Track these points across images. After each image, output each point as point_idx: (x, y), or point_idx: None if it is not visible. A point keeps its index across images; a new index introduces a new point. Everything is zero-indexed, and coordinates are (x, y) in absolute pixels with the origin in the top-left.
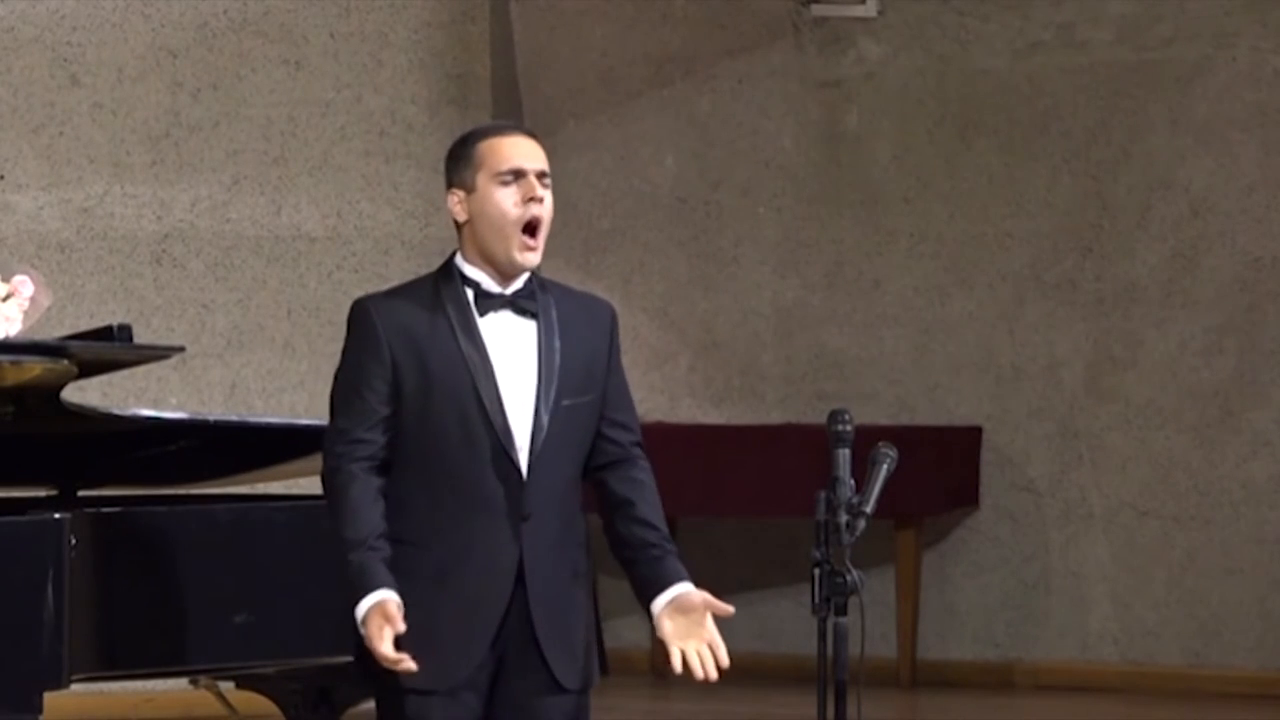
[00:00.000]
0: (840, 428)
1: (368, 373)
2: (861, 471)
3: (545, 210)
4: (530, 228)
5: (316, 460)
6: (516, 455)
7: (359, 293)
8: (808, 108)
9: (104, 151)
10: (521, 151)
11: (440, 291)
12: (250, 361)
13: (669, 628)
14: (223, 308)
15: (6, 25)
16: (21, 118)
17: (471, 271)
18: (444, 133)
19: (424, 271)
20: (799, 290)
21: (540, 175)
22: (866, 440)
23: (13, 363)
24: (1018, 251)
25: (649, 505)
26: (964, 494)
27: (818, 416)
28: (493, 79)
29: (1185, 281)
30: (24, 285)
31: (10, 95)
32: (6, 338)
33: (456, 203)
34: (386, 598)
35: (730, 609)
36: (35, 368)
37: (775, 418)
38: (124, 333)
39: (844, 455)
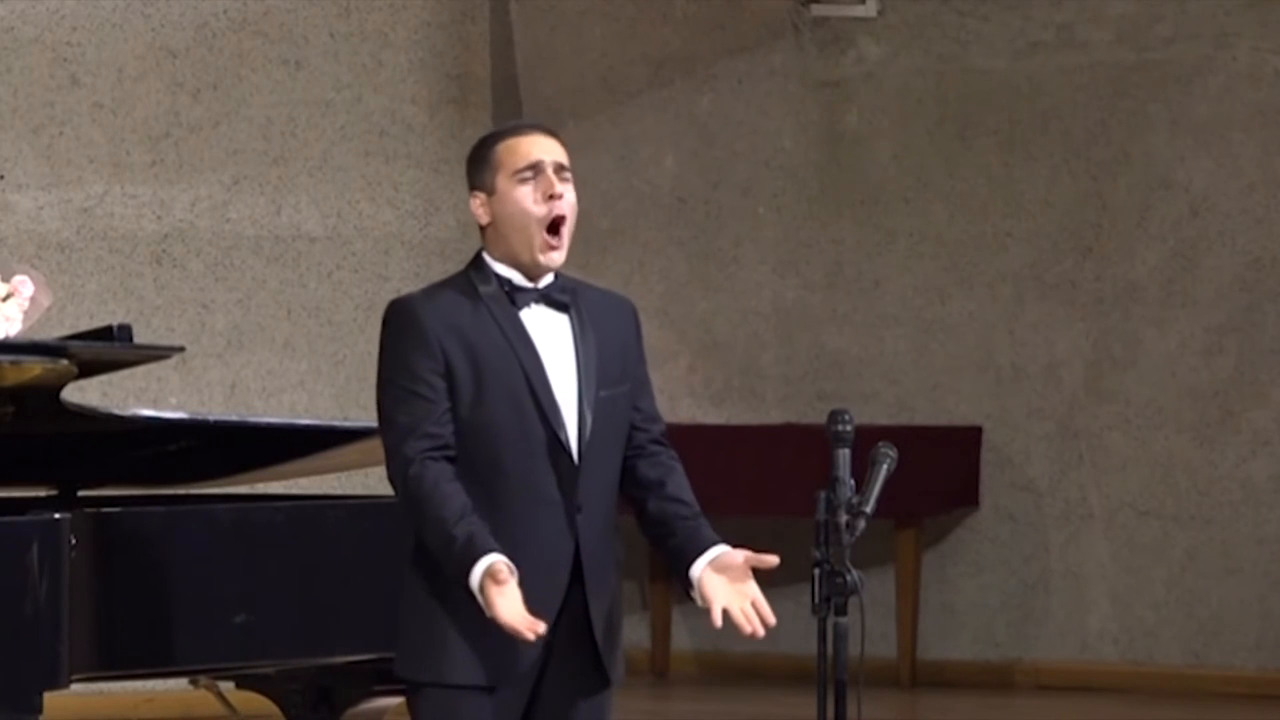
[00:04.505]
0: (840, 428)
1: (421, 369)
2: (861, 471)
3: (568, 207)
4: (553, 226)
5: (316, 460)
6: (570, 446)
7: (359, 293)
8: (808, 108)
9: (104, 151)
10: (538, 146)
11: (476, 286)
12: (250, 361)
13: (710, 587)
14: (223, 308)
15: (6, 25)
16: (21, 118)
17: (501, 269)
18: (444, 133)
19: (424, 271)
20: (799, 290)
21: (559, 169)
22: (866, 440)
23: (13, 363)
24: (1018, 251)
25: (679, 485)
26: (964, 494)
27: (818, 416)
28: (493, 79)
29: (1185, 281)
30: (24, 285)
31: (10, 95)
32: (6, 338)
33: (479, 205)
34: (494, 560)
35: (774, 559)
36: (35, 368)
37: (775, 418)
38: (124, 333)
39: (844, 455)
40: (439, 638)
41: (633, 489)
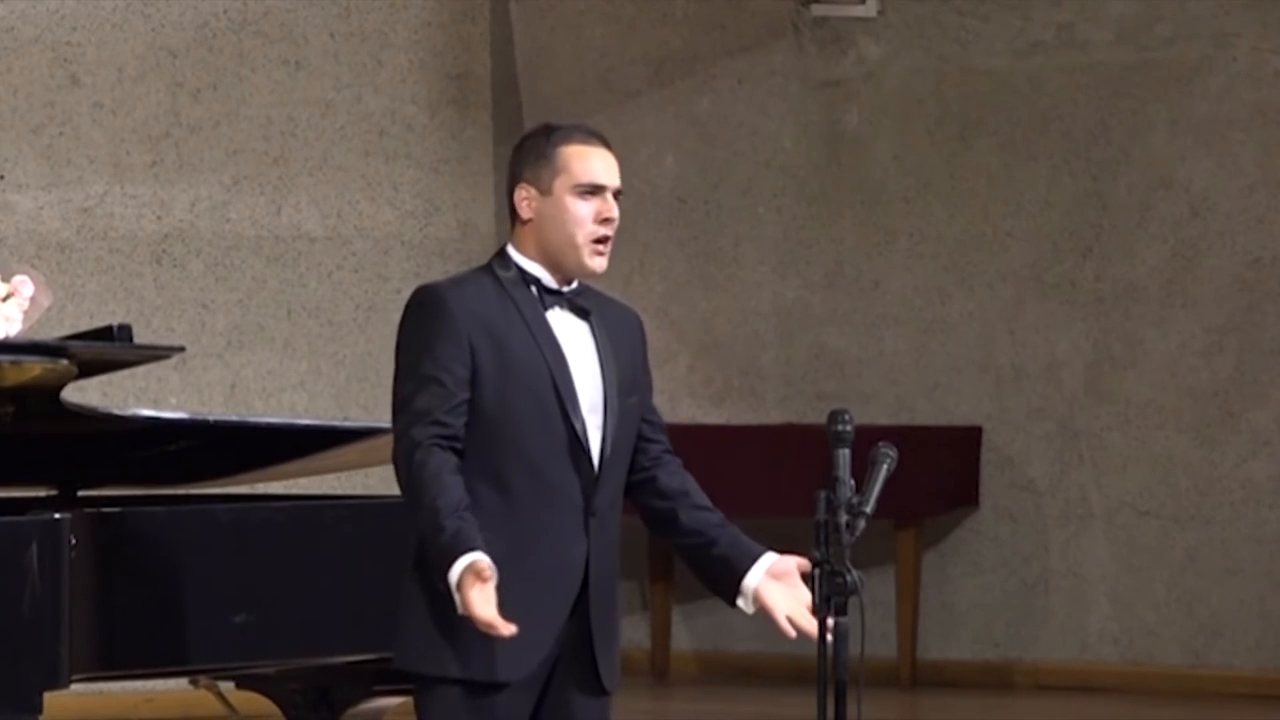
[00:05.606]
0: (840, 428)
1: (445, 356)
2: (861, 471)
3: (614, 227)
4: (600, 242)
5: (316, 460)
6: (592, 451)
7: (359, 293)
8: (808, 108)
9: (104, 151)
10: (606, 167)
11: (503, 282)
12: (250, 361)
13: (771, 596)
14: (223, 308)
15: (6, 25)
16: (21, 118)
17: (530, 266)
18: (444, 133)
19: (423, 271)
20: (799, 290)
21: (616, 194)
22: (866, 440)
23: (13, 363)
24: (1018, 251)
25: (700, 493)
26: (964, 494)
27: (818, 416)
28: (493, 79)
29: (1185, 281)
30: (24, 285)
31: (10, 95)
32: (6, 338)
33: (524, 199)
34: (478, 558)
35: (807, 563)
36: (35, 368)
37: (775, 418)
38: (124, 333)
39: (844, 455)
40: (452, 632)
41: (655, 499)
